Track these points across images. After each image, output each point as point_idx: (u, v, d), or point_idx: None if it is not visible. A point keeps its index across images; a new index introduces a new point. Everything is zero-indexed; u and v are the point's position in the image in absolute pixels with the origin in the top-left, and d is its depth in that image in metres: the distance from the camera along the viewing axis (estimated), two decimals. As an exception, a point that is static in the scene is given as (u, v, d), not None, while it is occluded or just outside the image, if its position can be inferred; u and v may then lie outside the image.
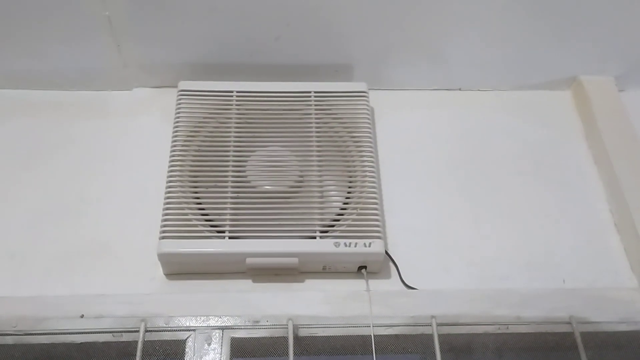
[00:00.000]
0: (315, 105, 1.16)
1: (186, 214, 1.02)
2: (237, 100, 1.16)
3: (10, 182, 1.14)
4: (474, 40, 1.23)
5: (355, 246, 1.00)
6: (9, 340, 0.92)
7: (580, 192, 1.19)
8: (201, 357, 0.92)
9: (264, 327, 0.95)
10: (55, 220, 1.09)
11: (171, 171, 1.06)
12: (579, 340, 0.95)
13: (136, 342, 0.91)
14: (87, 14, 1.12)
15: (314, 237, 1.01)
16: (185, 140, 1.10)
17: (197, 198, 1.05)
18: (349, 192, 1.08)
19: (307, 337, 0.95)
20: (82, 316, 0.94)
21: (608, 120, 1.23)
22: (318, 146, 1.12)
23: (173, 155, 1.08)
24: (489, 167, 1.21)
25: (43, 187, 1.13)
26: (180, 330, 0.94)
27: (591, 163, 1.22)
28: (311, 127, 1.14)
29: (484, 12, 1.18)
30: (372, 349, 0.92)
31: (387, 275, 1.06)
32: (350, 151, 1.12)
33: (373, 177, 1.08)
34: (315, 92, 1.17)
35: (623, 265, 1.09)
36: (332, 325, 0.96)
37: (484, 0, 1.16)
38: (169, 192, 1.04)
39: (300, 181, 1.08)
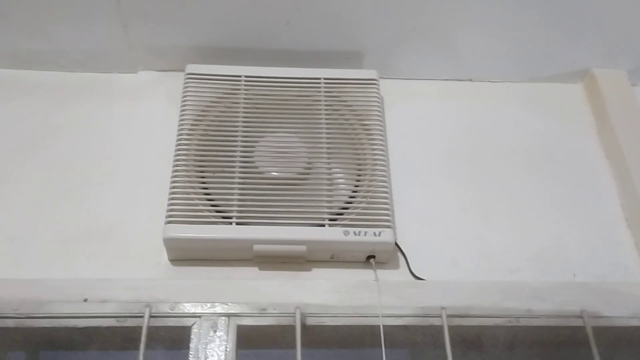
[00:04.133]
0: (325, 91, 1.14)
1: (192, 199, 1.00)
2: (245, 85, 1.14)
3: (12, 164, 1.11)
4: (486, 31, 1.22)
5: (365, 235, 0.98)
6: (10, 323, 0.90)
7: (591, 186, 1.17)
8: (207, 344, 0.89)
9: (271, 315, 0.93)
10: (58, 203, 1.07)
11: (177, 155, 1.04)
12: (590, 334, 0.93)
13: (140, 327, 0.88)
14: (94, -7, 1.10)
15: (323, 225, 0.99)
16: (192, 125, 1.08)
17: (204, 183, 1.03)
18: (357, 180, 1.06)
19: (315, 326, 0.93)
20: (85, 300, 0.92)
21: (620, 114, 1.22)
22: (327, 133, 1.10)
23: (179, 139, 1.06)
24: (499, 159, 1.19)
25: (45, 169, 1.11)
26: (186, 317, 0.92)
27: (602, 157, 1.21)
28: (320, 114, 1.12)
29: (497, 3, 1.17)
30: (380, 340, 0.90)
31: (396, 266, 1.04)
32: (360, 139, 1.11)
33: (384, 165, 1.07)
34: (325, 79, 1.15)
35: (634, 260, 1.08)
36: (341, 315, 0.94)
37: (497, -9, 1.15)
38: (175, 177, 1.02)
39: (309, 168, 1.06)
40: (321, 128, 1.10)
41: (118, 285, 0.94)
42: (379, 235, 0.99)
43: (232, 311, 0.93)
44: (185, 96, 1.11)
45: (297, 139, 1.09)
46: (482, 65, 1.28)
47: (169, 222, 0.97)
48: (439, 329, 0.93)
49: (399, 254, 1.05)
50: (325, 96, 1.14)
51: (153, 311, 0.91)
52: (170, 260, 1.01)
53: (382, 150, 1.09)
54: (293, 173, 1.05)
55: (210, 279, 0.99)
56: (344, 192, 1.05)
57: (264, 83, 1.14)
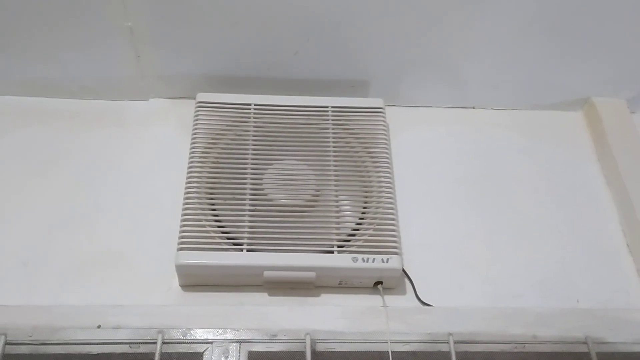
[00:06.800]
0: (333, 120, 1.17)
1: (204, 226, 1.02)
2: (255, 113, 1.16)
3: (25, 190, 1.13)
4: (490, 60, 1.25)
5: (373, 261, 1.00)
6: (25, 349, 0.91)
7: (593, 213, 1.19)
8: (218, 371, 0.91)
9: (281, 341, 0.95)
10: (70, 229, 1.09)
11: (189, 182, 1.06)
12: (595, 361, 0.95)
13: (153, 353, 0.90)
14: (108, 23, 1.12)
15: (332, 252, 1.01)
16: (203, 152, 1.10)
17: (215, 210, 1.05)
18: (364, 207, 1.08)
19: (325, 352, 0.95)
20: (99, 326, 0.93)
21: (620, 141, 1.24)
22: (335, 160, 1.12)
23: (191, 166, 1.08)
24: (503, 186, 1.22)
25: (57, 196, 1.13)
26: (198, 343, 0.93)
27: (603, 184, 1.23)
28: (328, 142, 1.14)
29: (500, 33, 1.20)
30: (389, 366, 0.92)
31: (403, 292, 1.06)
32: (366, 166, 1.13)
33: (390, 192, 1.09)
34: (332, 107, 1.18)
35: (635, 286, 1.10)
36: (350, 341, 0.96)
37: (500, 22, 1.18)
38: (187, 204, 1.04)
39: (317, 195, 1.08)
40: (329, 155, 1.12)
41: (131, 311, 0.95)
42: (387, 262, 1.00)
43: (244, 337, 0.94)
44: (196, 124, 1.14)
45: (305, 166, 1.11)
46: (484, 93, 1.31)
47: (181, 249, 0.99)
48: (447, 354, 0.94)
49: (406, 280, 1.06)
50: (333, 124, 1.16)
51: (165, 337, 0.92)
52: (181, 286, 1.03)
53: (388, 177, 1.11)
54: (301, 200, 1.07)
55: (221, 304, 1.00)
56: (351, 218, 1.07)
57: (273, 111, 1.17)
